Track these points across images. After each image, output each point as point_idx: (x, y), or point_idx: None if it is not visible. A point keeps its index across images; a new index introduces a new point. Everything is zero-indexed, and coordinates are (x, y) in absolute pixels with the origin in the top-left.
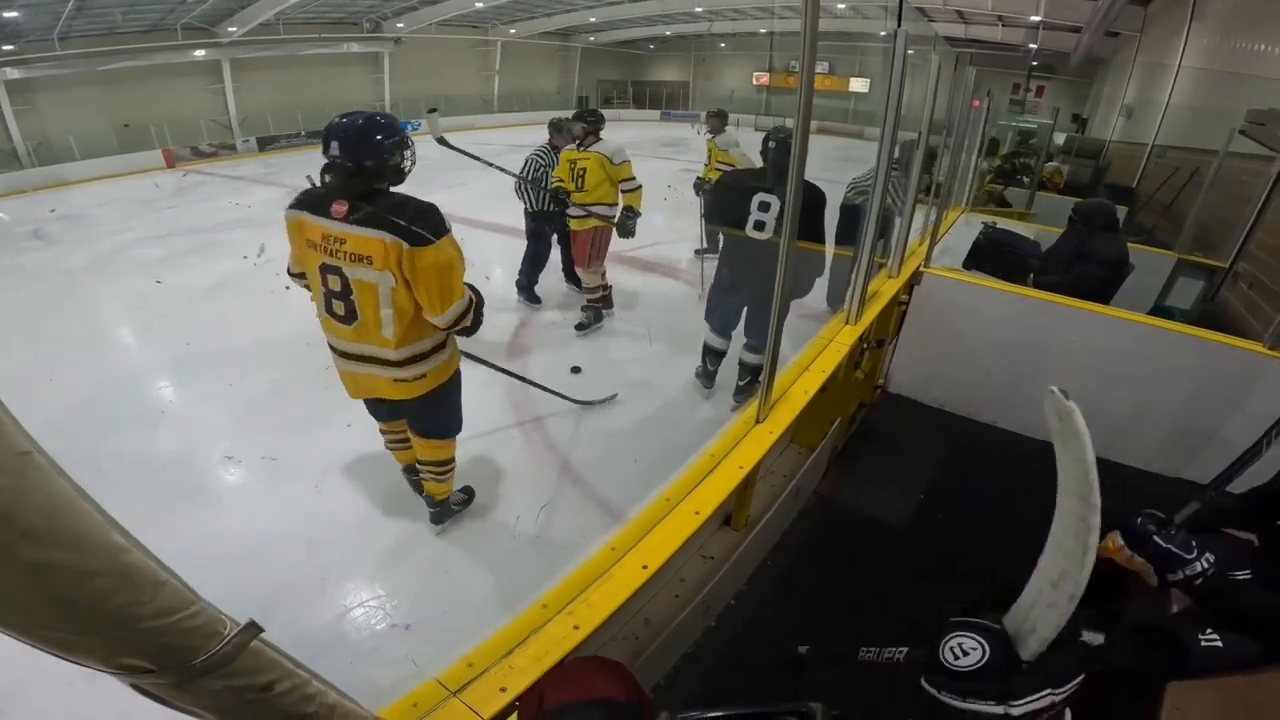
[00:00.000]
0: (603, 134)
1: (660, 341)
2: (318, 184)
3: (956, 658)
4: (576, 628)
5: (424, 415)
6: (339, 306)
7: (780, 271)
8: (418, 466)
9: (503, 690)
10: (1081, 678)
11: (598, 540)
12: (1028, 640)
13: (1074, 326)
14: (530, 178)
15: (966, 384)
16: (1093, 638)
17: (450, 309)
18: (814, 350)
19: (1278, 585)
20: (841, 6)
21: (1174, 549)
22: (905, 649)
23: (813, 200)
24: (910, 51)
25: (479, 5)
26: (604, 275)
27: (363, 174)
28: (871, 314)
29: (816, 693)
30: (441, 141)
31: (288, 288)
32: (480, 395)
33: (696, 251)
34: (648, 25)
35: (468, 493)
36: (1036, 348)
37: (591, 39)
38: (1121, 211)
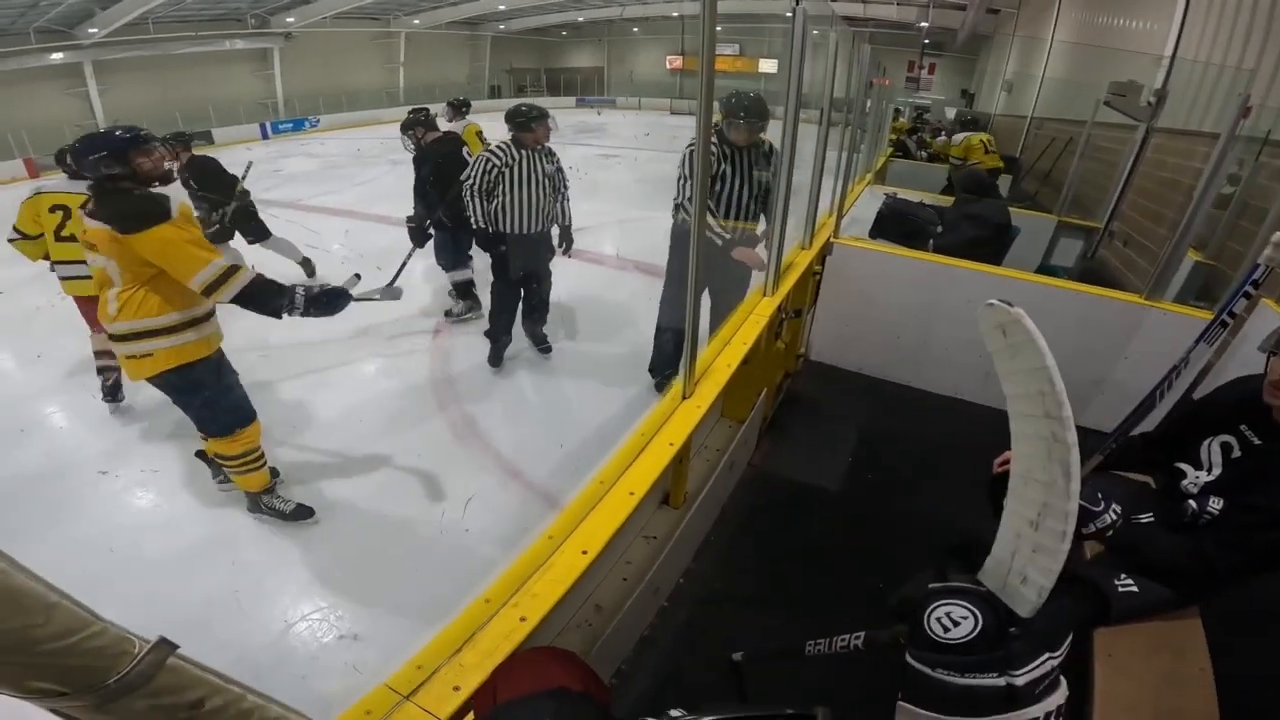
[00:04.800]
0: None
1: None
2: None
3: (946, 629)
4: (523, 619)
5: (181, 405)
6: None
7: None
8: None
9: (456, 689)
10: (1071, 638)
11: (534, 530)
12: (1021, 593)
13: (968, 287)
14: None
15: (880, 347)
16: None
17: (197, 276)
18: (734, 323)
19: (1177, 526)
20: None
21: (1084, 503)
22: (862, 633)
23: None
24: (814, 32)
25: None
26: None
27: (96, 179)
28: (788, 285)
29: (761, 691)
30: None
31: None
32: (404, 390)
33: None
34: (560, 11)
35: (302, 510)
36: (938, 309)
37: (502, 26)
38: (1007, 179)
